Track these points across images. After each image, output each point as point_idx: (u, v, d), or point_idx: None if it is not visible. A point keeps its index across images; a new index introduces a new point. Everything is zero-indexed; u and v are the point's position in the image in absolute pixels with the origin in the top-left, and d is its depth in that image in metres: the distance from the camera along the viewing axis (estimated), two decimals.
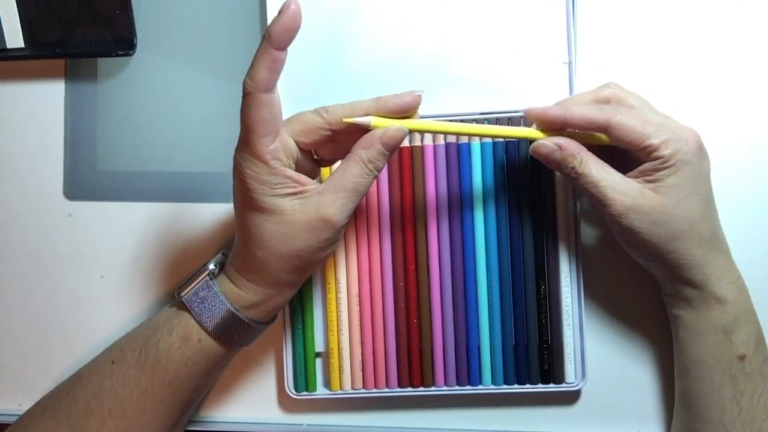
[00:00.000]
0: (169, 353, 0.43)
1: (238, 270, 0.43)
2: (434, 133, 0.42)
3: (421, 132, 0.42)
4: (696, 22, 0.49)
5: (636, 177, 0.42)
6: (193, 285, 0.44)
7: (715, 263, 0.43)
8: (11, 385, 0.53)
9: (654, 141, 0.40)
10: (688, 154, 0.41)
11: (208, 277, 0.44)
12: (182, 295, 0.44)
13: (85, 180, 0.52)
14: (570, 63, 0.47)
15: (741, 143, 0.48)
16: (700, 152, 0.42)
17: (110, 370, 0.44)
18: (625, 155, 0.43)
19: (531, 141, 0.43)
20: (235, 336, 0.44)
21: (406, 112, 0.41)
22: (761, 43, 0.48)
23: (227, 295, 0.43)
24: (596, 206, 0.43)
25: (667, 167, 0.41)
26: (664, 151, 0.40)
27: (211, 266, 0.45)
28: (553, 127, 0.43)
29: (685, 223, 0.41)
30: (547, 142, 0.42)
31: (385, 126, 0.41)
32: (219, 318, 0.43)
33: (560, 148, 0.42)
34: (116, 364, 0.44)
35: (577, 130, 0.43)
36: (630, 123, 0.41)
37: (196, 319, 0.43)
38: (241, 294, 0.43)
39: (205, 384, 0.47)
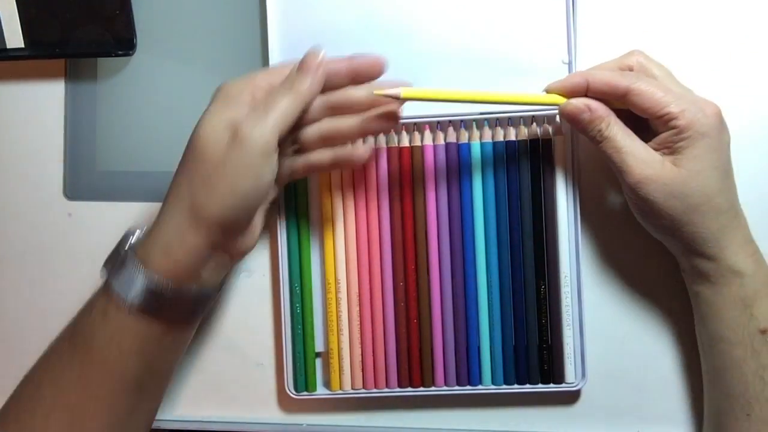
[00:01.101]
0: (92, 333, 0.41)
1: (165, 227, 0.41)
2: (457, 101, 0.42)
3: (445, 101, 0.42)
4: (696, 22, 0.49)
5: (655, 148, 0.42)
6: (112, 252, 0.42)
7: (732, 236, 0.42)
8: (11, 385, 0.53)
9: (672, 109, 0.41)
10: (706, 126, 0.41)
11: (125, 240, 0.42)
12: (104, 264, 0.42)
13: (85, 180, 0.52)
14: (570, 63, 0.47)
15: (741, 142, 0.48)
16: (720, 125, 0.42)
17: (48, 361, 0.43)
18: (647, 129, 0.43)
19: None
20: (160, 306, 0.40)
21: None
22: (761, 43, 0.48)
23: (147, 260, 0.40)
24: (616, 173, 0.43)
25: (685, 138, 0.41)
26: (681, 121, 0.40)
27: (137, 233, 0.42)
28: (575, 96, 0.43)
29: (702, 196, 0.41)
30: (577, 102, 0.42)
31: (415, 95, 0.41)
32: (135, 286, 0.40)
33: (589, 109, 0.42)
34: (53, 354, 0.43)
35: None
36: (649, 90, 0.41)
37: (109, 290, 0.41)
38: (167, 258, 0.40)
39: (149, 366, 0.42)
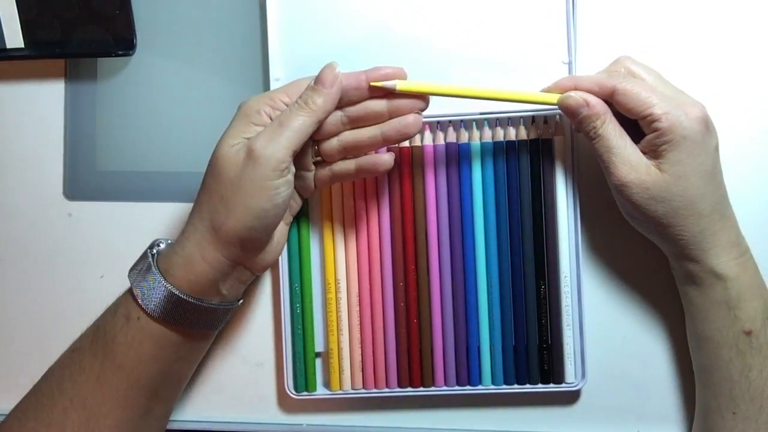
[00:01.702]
0: (114, 334, 0.42)
1: (188, 241, 0.42)
2: (451, 96, 0.43)
3: (440, 95, 0.43)
4: (696, 22, 0.49)
5: (642, 151, 0.42)
6: (138, 260, 0.44)
7: (715, 240, 0.43)
8: (11, 384, 0.53)
9: (655, 111, 0.41)
10: (688, 129, 0.41)
11: (150, 252, 0.43)
12: (130, 270, 0.44)
13: (85, 180, 0.52)
14: (570, 63, 0.47)
15: (741, 143, 0.48)
16: (705, 128, 0.42)
17: (70, 358, 0.44)
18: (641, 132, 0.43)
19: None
20: (181, 316, 0.42)
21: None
22: (760, 43, 0.48)
23: (169, 271, 0.42)
24: (603, 172, 0.44)
25: (667, 141, 0.41)
26: (663, 123, 0.41)
27: (162, 245, 0.44)
28: None
29: (683, 200, 0.41)
30: (576, 96, 0.43)
31: (411, 89, 0.42)
32: (157, 295, 0.42)
33: (587, 104, 0.42)
34: (75, 352, 0.44)
35: None
36: (635, 90, 0.41)
37: (133, 296, 0.42)
38: (187, 271, 0.42)
39: (165, 372, 0.44)
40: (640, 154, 0.42)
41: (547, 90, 0.44)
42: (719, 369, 0.43)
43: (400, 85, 0.42)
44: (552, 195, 0.47)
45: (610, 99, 0.42)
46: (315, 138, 0.43)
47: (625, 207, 0.44)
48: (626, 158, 0.42)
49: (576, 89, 0.43)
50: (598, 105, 0.42)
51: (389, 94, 0.42)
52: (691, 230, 0.42)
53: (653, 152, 0.42)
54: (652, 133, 0.41)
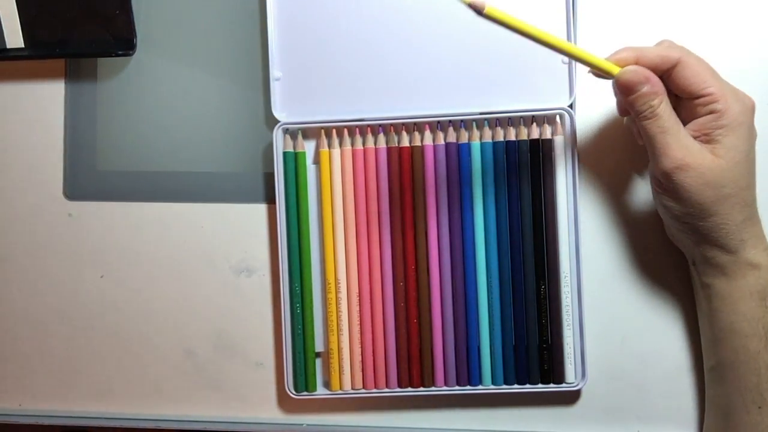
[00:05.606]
0: None
1: None
2: (529, 37, 0.39)
3: (519, 32, 0.40)
4: (696, 22, 0.49)
5: (692, 135, 0.41)
6: None
7: (752, 230, 0.42)
8: (11, 385, 0.53)
9: (714, 91, 0.40)
10: (743, 115, 0.41)
11: None
12: None
13: (85, 180, 0.52)
14: (570, 63, 0.47)
15: None
16: (753, 116, 0.42)
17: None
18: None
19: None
20: None
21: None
22: (761, 45, 0.48)
23: None
24: (650, 155, 0.42)
25: (723, 126, 0.40)
26: (721, 105, 0.40)
27: None
28: None
29: (735, 187, 0.41)
30: (639, 70, 0.41)
31: (499, 16, 0.39)
32: None
33: (648, 81, 0.41)
34: None
35: None
36: (700, 67, 0.41)
37: None
38: None
39: None
40: (692, 137, 0.41)
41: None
42: (746, 362, 0.43)
43: (489, 8, 0.39)
44: (552, 195, 0.47)
45: (669, 73, 0.41)
46: None
47: (672, 193, 0.42)
48: (681, 140, 0.41)
49: (638, 61, 0.41)
50: (658, 83, 0.41)
51: None
52: (735, 219, 0.42)
53: (706, 137, 0.41)
54: (707, 115, 0.41)
